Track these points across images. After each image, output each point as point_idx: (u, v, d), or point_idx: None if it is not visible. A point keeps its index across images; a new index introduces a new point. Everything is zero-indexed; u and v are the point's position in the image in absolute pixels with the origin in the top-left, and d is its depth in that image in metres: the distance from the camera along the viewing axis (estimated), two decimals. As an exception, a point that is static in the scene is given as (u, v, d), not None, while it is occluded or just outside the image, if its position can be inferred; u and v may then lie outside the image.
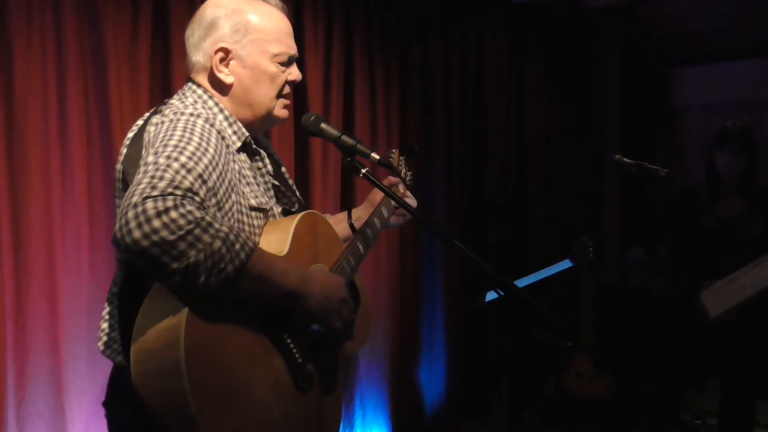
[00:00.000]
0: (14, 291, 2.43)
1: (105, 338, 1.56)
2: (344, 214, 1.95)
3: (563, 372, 3.62)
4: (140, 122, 1.57)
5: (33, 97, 2.44)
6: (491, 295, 2.92)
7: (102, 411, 1.61)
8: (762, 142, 3.24)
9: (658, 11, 4.79)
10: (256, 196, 1.55)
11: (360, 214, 1.94)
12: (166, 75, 2.75)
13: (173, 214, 1.20)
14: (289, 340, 1.45)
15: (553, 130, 4.56)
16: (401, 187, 2.00)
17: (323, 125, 1.62)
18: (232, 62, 1.56)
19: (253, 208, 1.52)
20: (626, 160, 2.54)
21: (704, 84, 5.19)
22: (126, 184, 1.46)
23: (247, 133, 1.58)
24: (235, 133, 1.56)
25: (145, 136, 1.45)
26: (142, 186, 1.23)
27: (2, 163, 2.40)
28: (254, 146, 1.61)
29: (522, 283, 2.98)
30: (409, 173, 2.10)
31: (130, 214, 1.19)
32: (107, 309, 1.57)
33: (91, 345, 2.56)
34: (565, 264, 3.14)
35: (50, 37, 2.47)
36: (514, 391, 3.67)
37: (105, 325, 1.57)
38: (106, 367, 2.64)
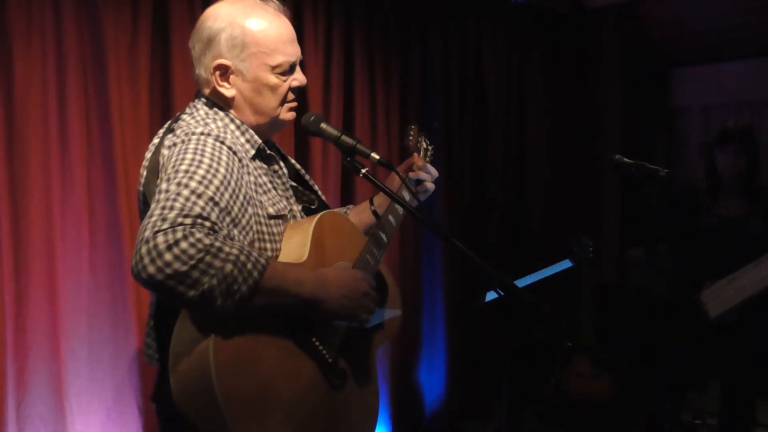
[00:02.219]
0: (14, 291, 2.43)
1: (149, 351, 1.62)
2: (366, 204, 1.96)
3: (563, 372, 3.62)
4: (156, 140, 1.59)
5: (33, 97, 2.44)
6: (491, 295, 2.91)
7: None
8: (762, 142, 3.24)
9: (658, 11, 4.79)
10: (274, 204, 1.57)
11: (381, 200, 1.94)
12: (166, 75, 2.74)
13: (183, 245, 1.25)
14: (317, 343, 1.48)
15: (553, 130, 4.56)
16: (419, 161, 1.98)
17: (323, 125, 1.62)
18: (232, 76, 1.57)
19: (271, 217, 1.55)
20: (626, 160, 2.54)
21: (704, 84, 5.19)
22: (147, 205, 1.51)
23: (259, 141, 1.60)
24: (248, 141, 1.58)
25: (160, 159, 1.48)
26: (153, 219, 1.28)
27: (2, 163, 2.40)
28: (268, 152, 1.63)
29: (522, 283, 2.97)
30: (430, 147, 2.09)
31: (143, 249, 1.25)
32: (150, 324, 1.62)
33: (91, 345, 2.56)
34: (565, 264, 3.14)
35: (50, 37, 2.47)
36: (514, 391, 3.67)
37: (149, 340, 1.63)
38: (106, 367, 2.65)
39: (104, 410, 2.58)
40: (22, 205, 2.44)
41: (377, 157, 1.57)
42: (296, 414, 1.42)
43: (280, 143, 3.05)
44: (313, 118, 1.63)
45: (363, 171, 1.57)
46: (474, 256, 1.48)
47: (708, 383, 3.63)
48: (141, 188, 1.57)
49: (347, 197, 3.39)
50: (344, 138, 1.59)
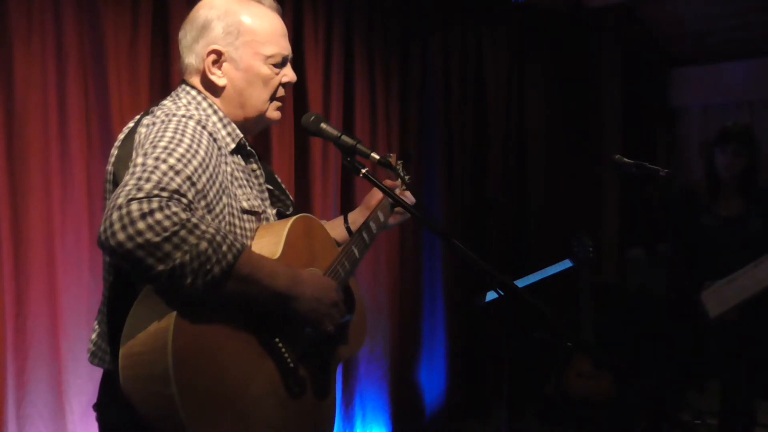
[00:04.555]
0: (14, 291, 2.43)
1: (93, 348, 1.56)
2: (340, 219, 1.94)
3: (563, 372, 3.62)
4: (131, 124, 1.55)
5: (33, 96, 2.44)
6: (491, 295, 2.91)
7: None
8: (762, 142, 3.24)
9: (658, 11, 4.79)
10: (249, 199, 1.54)
11: (356, 217, 1.93)
12: (166, 75, 2.75)
13: (158, 215, 1.19)
14: (280, 345, 1.43)
15: (553, 130, 4.56)
16: (398, 189, 2.00)
17: (323, 125, 1.61)
18: (224, 64, 1.55)
19: (245, 211, 1.51)
20: (626, 160, 2.55)
21: (704, 84, 5.19)
22: (117, 185, 1.44)
23: (241, 135, 1.57)
24: (229, 134, 1.54)
25: (136, 137, 1.44)
26: (128, 188, 1.22)
27: (2, 163, 2.40)
28: (248, 148, 1.60)
29: (522, 283, 2.98)
30: (407, 176, 2.10)
31: (115, 215, 1.19)
32: (97, 318, 1.56)
33: (91, 345, 2.56)
34: (565, 264, 3.14)
35: (50, 37, 2.47)
36: (514, 391, 3.67)
37: (94, 336, 1.56)
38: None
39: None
40: (22, 205, 2.44)
41: (377, 157, 1.56)
42: (250, 412, 1.35)
43: (281, 144, 3.08)
44: (313, 118, 1.62)
45: (363, 171, 1.56)
46: (474, 256, 1.46)
47: (708, 383, 3.64)
48: (110, 167, 1.50)
49: (347, 198, 3.39)
50: (344, 138, 1.58)
